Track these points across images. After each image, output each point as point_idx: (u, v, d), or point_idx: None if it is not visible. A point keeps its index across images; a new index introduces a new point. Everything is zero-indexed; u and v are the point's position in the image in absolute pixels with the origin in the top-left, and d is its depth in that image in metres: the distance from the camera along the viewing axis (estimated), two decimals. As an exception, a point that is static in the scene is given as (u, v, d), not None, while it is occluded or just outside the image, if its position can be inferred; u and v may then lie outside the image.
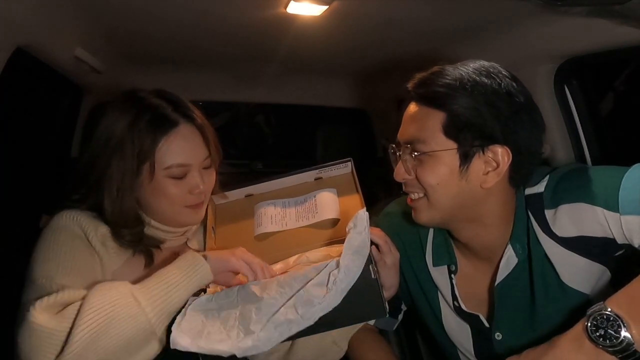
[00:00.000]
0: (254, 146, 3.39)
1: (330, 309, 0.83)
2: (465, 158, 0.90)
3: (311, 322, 0.82)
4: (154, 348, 0.89)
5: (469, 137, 0.89)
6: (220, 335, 0.83)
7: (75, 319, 0.81)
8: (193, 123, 1.03)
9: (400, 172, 0.96)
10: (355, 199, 1.10)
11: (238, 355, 0.81)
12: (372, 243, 0.94)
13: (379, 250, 0.99)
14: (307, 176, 1.15)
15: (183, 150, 1.00)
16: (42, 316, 0.81)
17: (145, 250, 1.03)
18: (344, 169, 1.14)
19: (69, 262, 0.92)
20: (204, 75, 2.08)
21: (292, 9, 1.29)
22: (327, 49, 1.70)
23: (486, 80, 0.89)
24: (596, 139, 1.47)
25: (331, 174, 1.15)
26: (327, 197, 1.11)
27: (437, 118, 0.91)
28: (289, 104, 2.49)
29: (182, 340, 0.82)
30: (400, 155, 0.97)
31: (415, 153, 0.92)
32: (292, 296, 0.86)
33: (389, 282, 1.01)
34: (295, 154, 3.17)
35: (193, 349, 0.82)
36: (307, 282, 0.87)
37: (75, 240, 0.96)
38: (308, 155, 2.55)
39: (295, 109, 2.91)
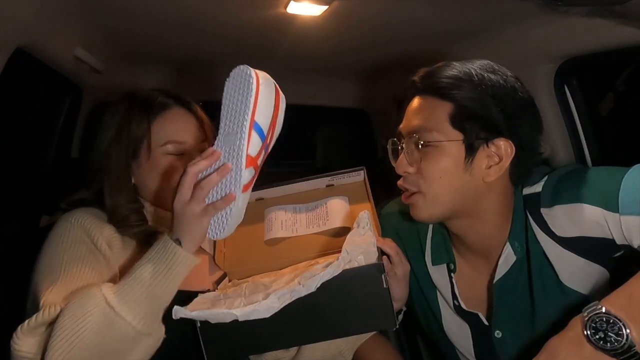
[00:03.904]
0: (254, 146, 3.37)
1: (331, 277, 0.83)
2: (471, 150, 0.91)
3: (312, 290, 0.82)
4: (150, 342, 0.84)
5: (475, 127, 0.90)
6: (224, 309, 0.84)
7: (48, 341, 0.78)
8: (185, 106, 1.06)
9: (403, 164, 0.95)
10: (366, 208, 1.09)
11: (239, 319, 0.80)
12: (383, 253, 0.94)
13: (390, 262, 0.98)
14: (318, 182, 1.14)
15: (177, 128, 1.04)
16: (23, 342, 0.80)
17: (147, 239, 1.01)
18: (356, 177, 1.14)
19: (70, 271, 0.90)
20: (204, 75, 2.08)
21: (292, 9, 1.29)
22: (327, 49, 1.70)
23: (492, 76, 0.91)
24: (596, 139, 1.47)
25: (343, 182, 1.14)
26: (338, 204, 1.10)
27: (443, 108, 0.92)
28: (289, 104, 2.48)
29: (183, 312, 0.82)
30: (402, 147, 0.96)
31: (422, 142, 0.92)
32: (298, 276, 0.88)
33: (399, 294, 1.01)
34: (295, 154, 3.16)
35: (193, 315, 0.82)
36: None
37: (79, 246, 0.93)
38: (308, 155, 2.54)
39: (295, 109, 2.89)
